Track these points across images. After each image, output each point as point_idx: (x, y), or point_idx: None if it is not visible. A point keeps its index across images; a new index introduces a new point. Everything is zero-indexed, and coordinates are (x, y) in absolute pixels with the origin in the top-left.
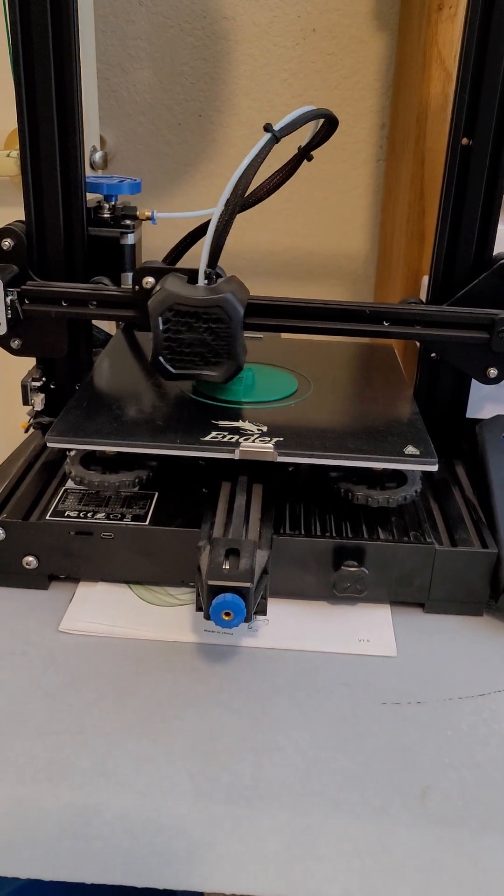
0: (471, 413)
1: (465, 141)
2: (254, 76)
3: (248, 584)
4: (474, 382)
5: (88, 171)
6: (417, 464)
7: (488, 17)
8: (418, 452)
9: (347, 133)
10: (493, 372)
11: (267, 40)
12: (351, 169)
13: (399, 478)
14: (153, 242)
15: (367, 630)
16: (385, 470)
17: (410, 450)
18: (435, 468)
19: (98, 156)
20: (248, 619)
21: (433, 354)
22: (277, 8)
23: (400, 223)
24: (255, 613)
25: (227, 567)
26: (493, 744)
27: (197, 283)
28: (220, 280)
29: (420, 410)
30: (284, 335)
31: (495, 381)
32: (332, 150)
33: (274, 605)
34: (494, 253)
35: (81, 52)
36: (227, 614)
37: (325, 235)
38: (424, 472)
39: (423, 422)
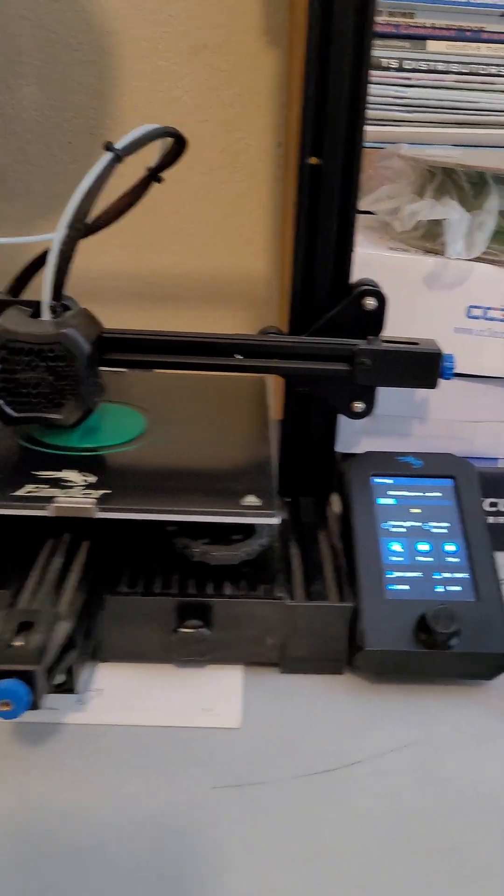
0: (346, 448)
1: (313, 160)
2: (145, 93)
3: (33, 668)
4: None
5: None
6: (255, 516)
7: (328, 24)
8: (259, 504)
9: (245, 152)
10: (359, 406)
11: (156, 56)
12: (249, 189)
13: (247, 529)
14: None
15: (213, 697)
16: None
17: (250, 500)
18: (276, 521)
19: None
20: (34, 707)
21: (297, 389)
22: (165, 24)
23: (288, 246)
24: (64, 692)
25: (20, 644)
26: (328, 832)
27: (41, 317)
28: (67, 313)
29: (288, 448)
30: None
31: (362, 415)
32: (232, 170)
33: (113, 672)
34: (354, 279)
35: None
36: (5, 704)
37: (227, 258)
38: (291, 516)
39: (272, 468)
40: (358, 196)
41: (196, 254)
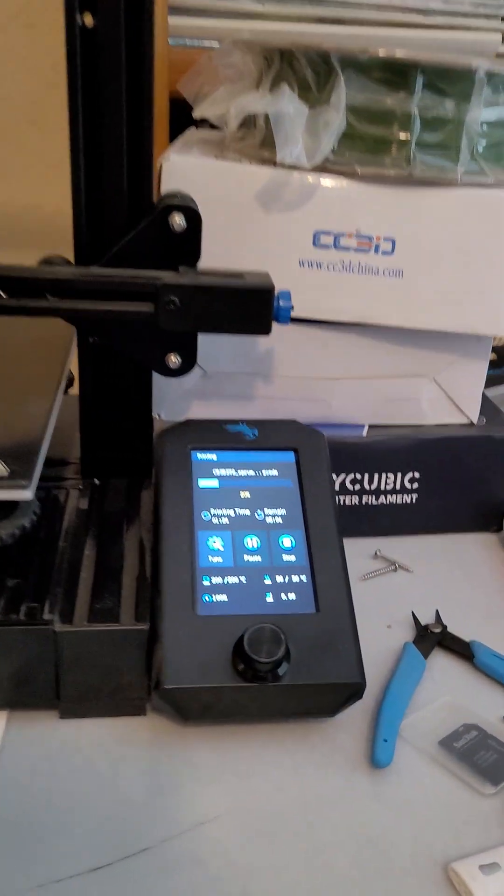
0: (172, 416)
1: (88, 19)
2: None
3: None
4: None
5: None
6: None
7: None
8: (5, 473)
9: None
10: (174, 360)
11: None
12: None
13: (6, 509)
14: None
15: None
16: None
17: None
18: (27, 496)
19: None
20: None
21: (91, 339)
22: None
23: None
24: None
25: None
26: None
27: None
28: None
29: (89, 415)
30: None
31: (179, 372)
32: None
33: None
34: (162, 192)
35: None
36: None
37: (59, 192)
38: (92, 503)
39: (43, 433)
40: (151, 74)
41: (29, 190)
